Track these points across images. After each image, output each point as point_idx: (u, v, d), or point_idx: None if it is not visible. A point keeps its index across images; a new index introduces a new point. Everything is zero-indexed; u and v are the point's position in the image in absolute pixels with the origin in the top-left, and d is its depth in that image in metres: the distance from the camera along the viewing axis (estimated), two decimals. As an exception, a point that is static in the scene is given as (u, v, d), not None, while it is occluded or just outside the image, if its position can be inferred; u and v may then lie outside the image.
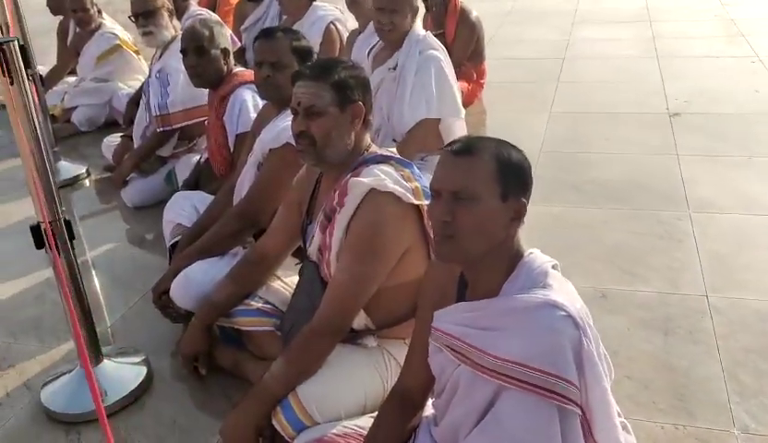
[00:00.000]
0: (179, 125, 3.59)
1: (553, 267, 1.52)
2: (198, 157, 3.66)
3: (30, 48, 3.88)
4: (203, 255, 2.54)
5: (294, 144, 2.45)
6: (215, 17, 3.25)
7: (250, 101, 3.05)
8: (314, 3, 4.42)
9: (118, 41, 4.98)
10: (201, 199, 3.03)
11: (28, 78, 1.94)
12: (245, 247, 2.63)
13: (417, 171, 1.99)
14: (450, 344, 1.55)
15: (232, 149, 3.12)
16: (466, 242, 1.44)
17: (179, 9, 4.36)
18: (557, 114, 4.57)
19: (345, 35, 4.39)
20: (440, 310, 1.62)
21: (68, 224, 2.13)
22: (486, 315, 1.48)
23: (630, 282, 2.67)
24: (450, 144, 1.51)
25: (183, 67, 3.33)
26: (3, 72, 1.89)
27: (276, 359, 2.16)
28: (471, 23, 4.68)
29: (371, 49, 3.51)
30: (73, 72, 5.36)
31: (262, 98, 2.66)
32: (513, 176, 1.47)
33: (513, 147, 1.51)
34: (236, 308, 2.30)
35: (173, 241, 2.89)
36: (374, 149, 2.05)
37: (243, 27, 5.18)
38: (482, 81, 4.89)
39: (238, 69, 3.21)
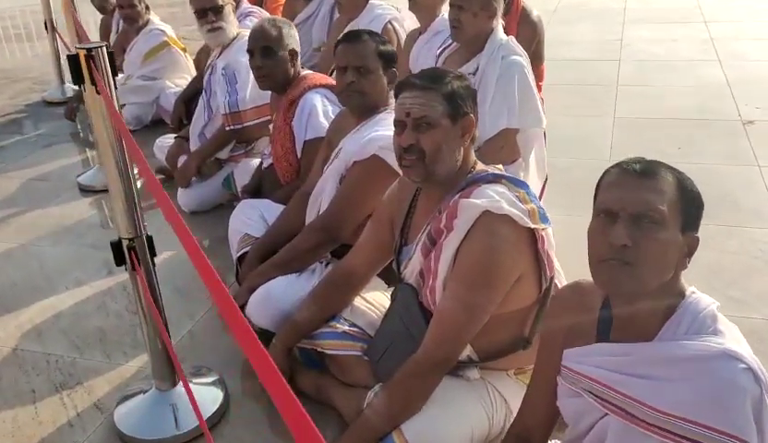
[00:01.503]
0: (250, 123, 3.47)
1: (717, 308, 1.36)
2: (257, 161, 3.53)
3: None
4: (280, 270, 2.41)
5: (380, 156, 2.34)
6: (282, 19, 3.09)
7: (320, 107, 2.92)
8: (371, 1, 4.26)
9: (166, 38, 4.86)
10: (268, 208, 2.89)
11: (115, 87, 1.81)
12: (321, 262, 2.50)
13: (532, 191, 1.84)
14: (593, 390, 1.40)
15: (299, 156, 2.99)
16: (645, 271, 1.29)
17: (232, 6, 4.24)
18: (621, 120, 4.39)
19: (403, 35, 4.23)
20: (576, 349, 1.47)
21: (150, 241, 2.00)
22: (643, 360, 1.33)
23: (735, 308, 2.49)
24: (624, 163, 1.37)
25: (250, 64, 3.20)
26: (90, 79, 1.75)
27: (363, 386, 2.05)
28: (532, 23, 4.47)
29: (442, 50, 3.35)
30: (119, 70, 5.25)
31: (343, 105, 2.52)
32: (694, 208, 1.32)
33: (689, 178, 1.36)
34: (320, 330, 2.17)
35: (241, 252, 2.76)
36: (481, 166, 1.90)
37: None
38: (541, 84, 4.70)
39: (306, 72, 3.08)
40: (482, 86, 3.05)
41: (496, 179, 1.83)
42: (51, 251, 3.35)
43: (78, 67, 1.76)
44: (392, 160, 2.29)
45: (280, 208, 2.86)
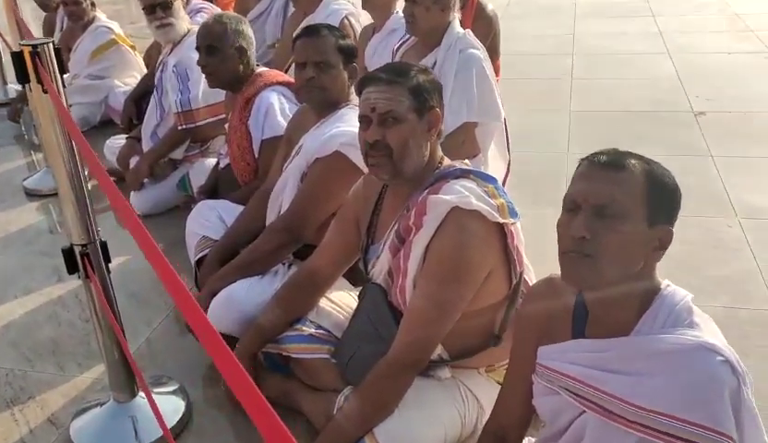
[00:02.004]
0: (203, 122, 3.37)
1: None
2: (213, 161, 3.44)
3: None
4: (242, 273, 2.33)
5: (343, 153, 2.28)
6: (232, 13, 3.01)
7: (277, 105, 2.85)
8: (326, -5, 4.20)
9: (114, 36, 4.70)
10: (227, 209, 2.81)
11: (63, 85, 1.71)
12: (284, 264, 2.43)
13: (501, 185, 1.81)
14: (569, 387, 1.38)
15: (257, 156, 2.91)
16: (605, 263, 1.27)
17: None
18: (577, 114, 4.42)
19: (359, 30, 4.18)
20: (552, 346, 1.45)
21: (104, 246, 1.91)
22: (621, 356, 1.31)
23: (696, 298, 2.51)
24: (593, 155, 1.35)
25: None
26: (36, 78, 1.65)
27: (332, 389, 2.00)
28: (488, 17, 4.46)
29: (400, 45, 3.31)
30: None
31: (304, 101, 2.45)
32: (664, 200, 1.30)
33: (663, 168, 1.34)
34: (286, 334, 2.11)
35: (199, 255, 2.67)
36: (448, 161, 1.87)
37: (245, 20, 4.94)
38: (498, 78, 4.71)
39: (261, 69, 3.00)
40: (441, 80, 3.02)
41: (464, 174, 1.80)
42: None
43: (23, 66, 1.66)
44: (355, 156, 2.25)
45: (238, 208, 2.78)
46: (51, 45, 1.66)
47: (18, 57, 1.65)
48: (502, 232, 1.76)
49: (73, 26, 4.81)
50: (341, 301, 2.20)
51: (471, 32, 3.10)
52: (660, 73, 5.08)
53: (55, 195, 3.59)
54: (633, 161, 1.34)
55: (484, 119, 3.03)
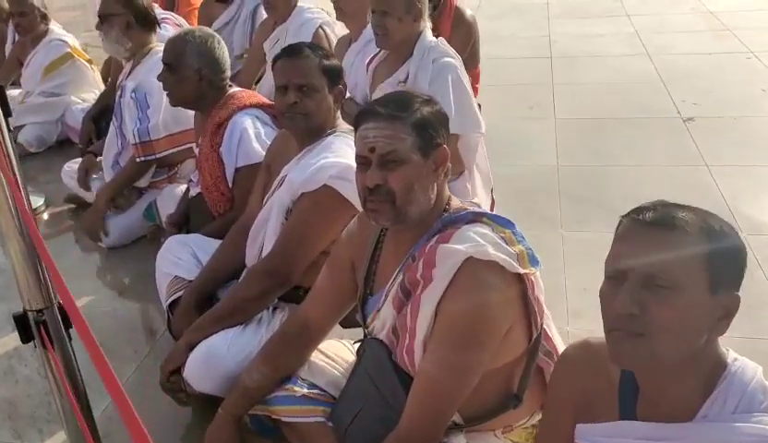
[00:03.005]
0: (163, 154, 3.08)
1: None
2: (183, 187, 3.17)
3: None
4: (222, 324, 2.09)
5: (332, 186, 2.06)
6: (206, 29, 2.74)
7: (251, 130, 2.62)
8: (299, 4, 3.95)
9: (69, 49, 4.38)
10: (201, 245, 2.55)
11: (9, 129, 1.46)
12: (268, 309, 2.20)
13: (518, 230, 1.61)
14: (619, 476, 1.18)
15: (231, 185, 2.67)
16: (660, 343, 1.08)
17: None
18: (563, 122, 4.25)
19: (335, 41, 3.95)
20: (596, 426, 1.25)
21: (63, 310, 1.65)
22: (685, 446, 1.12)
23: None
24: (636, 211, 1.15)
25: (165, 85, 2.86)
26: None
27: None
28: (467, 23, 4.27)
29: (372, 59, 3.09)
30: (15, 84, 4.71)
31: (285, 128, 2.21)
32: (727, 262, 1.10)
33: (722, 220, 1.14)
34: (275, 394, 1.87)
35: (172, 298, 2.42)
36: (456, 202, 1.66)
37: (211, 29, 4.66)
38: (477, 86, 4.51)
39: (234, 90, 2.75)
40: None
41: (476, 218, 1.59)
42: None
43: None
44: (346, 190, 2.04)
45: (214, 243, 2.53)
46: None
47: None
48: (521, 282, 1.55)
49: (24, 39, 4.48)
50: (335, 354, 1.98)
51: (444, 40, 2.91)
52: (642, 76, 4.94)
53: None
54: (686, 217, 1.14)
55: (464, 131, 2.83)
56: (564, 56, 5.53)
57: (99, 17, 3.10)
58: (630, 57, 5.39)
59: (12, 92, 4.67)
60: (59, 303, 1.64)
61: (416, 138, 1.54)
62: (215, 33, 2.72)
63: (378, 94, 2.85)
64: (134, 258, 3.10)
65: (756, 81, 4.68)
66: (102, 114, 4.21)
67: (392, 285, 1.64)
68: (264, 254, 2.21)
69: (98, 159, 3.53)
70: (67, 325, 1.67)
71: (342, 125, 2.25)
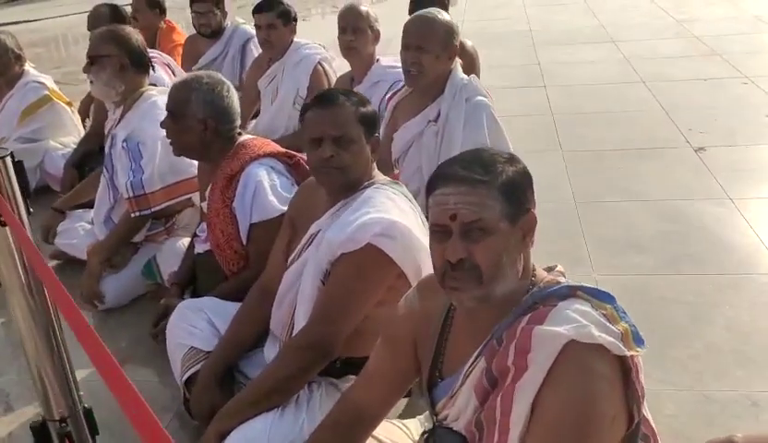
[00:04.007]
0: (160, 207, 2.83)
1: None
2: (184, 241, 2.92)
3: None
4: (258, 407, 1.86)
5: (377, 245, 1.85)
6: (216, 75, 2.50)
7: (266, 182, 2.41)
8: (295, 40, 3.77)
9: (47, 92, 4.09)
10: (216, 309, 2.32)
11: (28, 212, 1.22)
12: (307, 387, 1.96)
13: (619, 304, 1.41)
14: None
15: (245, 242, 2.44)
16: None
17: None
18: (571, 154, 4.11)
19: (333, 78, 3.76)
20: None
21: (89, 415, 1.40)
22: None
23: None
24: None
25: (160, 134, 2.64)
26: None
27: None
28: (469, 54, 4.13)
29: (391, 96, 2.91)
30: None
31: (322, 184, 1.99)
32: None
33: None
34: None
35: (189, 373, 2.17)
36: (541, 271, 1.46)
37: (196, 66, 4.43)
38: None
39: (245, 138, 2.54)
40: (447, 134, 2.66)
41: (572, 292, 1.39)
42: None
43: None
44: (392, 249, 1.85)
45: (231, 307, 2.30)
46: (9, 159, 1.17)
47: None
48: (625, 364, 1.35)
49: (-3, 82, 4.18)
50: (388, 438, 1.76)
51: (476, 78, 2.75)
52: (642, 104, 4.85)
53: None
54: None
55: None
56: (558, 85, 5.42)
57: (89, 58, 2.85)
58: (626, 85, 5.30)
59: (-16, 138, 4.37)
60: (85, 407, 1.39)
61: (504, 204, 1.34)
62: (224, 80, 2.50)
63: (402, 133, 2.66)
64: (134, 322, 2.82)
65: (759, 107, 4.62)
66: (84, 160, 3.96)
67: (472, 370, 1.43)
68: (296, 321, 1.98)
69: (65, 215, 3.28)
70: (94, 430, 1.42)
71: (379, 175, 2.05)
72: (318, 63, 3.69)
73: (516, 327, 1.36)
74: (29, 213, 1.22)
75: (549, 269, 1.49)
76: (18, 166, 1.19)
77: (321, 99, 1.95)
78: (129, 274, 2.94)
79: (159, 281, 2.91)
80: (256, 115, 4.06)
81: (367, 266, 1.86)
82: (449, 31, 2.59)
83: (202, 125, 2.42)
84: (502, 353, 1.36)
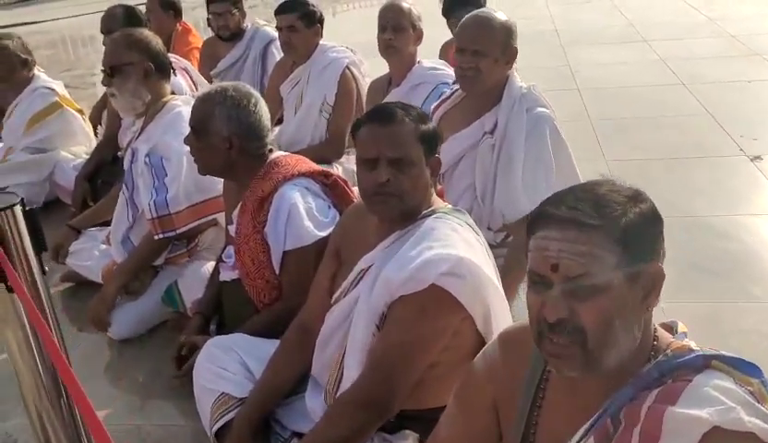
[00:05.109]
0: (185, 228, 2.58)
1: None
2: (208, 266, 2.67)
3: None
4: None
5: (442, 287, 1.60)
6: (244, 86, 2.25)
7: (301, 205, 2.16)
8: (321, 42, 3.51)
9: (57, 98, 3.84)
10: (248, 349, 2.07)
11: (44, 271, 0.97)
12: None
13: (766, 376, 1.15)
14: None
15: (278, 271, 2.19)
16: None
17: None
18: (615, 164, 3.84)
19: (363, 83, 3.51)
20: None
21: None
22: None
23: None
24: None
25: (186, 148, 2.40)
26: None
27: None
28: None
29: (437, 105, 2.65)
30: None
31: (375, 213, 1.74)
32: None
33: None
34: None
35: (221, 423, 1.92)
36: (665, 335, 1.19)
37: (215, 71, 4.20)
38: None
39: (276, 155, 2.29)
40: (506, 147, 2.40)
41: (707, 362, 1.13)
42: None
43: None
44: (459, 290, 1.60)
45: (264, 346, 2.06)
46: (19, 209, 0.92)
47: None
48: (771, 447, 1.10)
49: (3, 86, 3.94)
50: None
51: (537, 86, 2.49)
52: (685, 108, 4.57)
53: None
54: None
55: (565, 193, 2.40)
56: (592, 88, 5.16)
57: (109, 69, 2.60)
58: (665, 88, 5.03)
59: (-8, 146, 4.14)
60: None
61: (621, 256, 1.08)
62: (253, 92, 2.24)
63: (451, 146, 2.40)
64: (153, 354, 2.58)
65: (812, 112, 4.35)
66: (96, 172, 3.72)
67: (583, 452, 1.17)
68: (346, 370, 1.73)
69: (80, 234, 3.04)
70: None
71: (439, 201, 1.79)
72: (347, 67, 3.43)
73: (639, 405, 1.10)
74: (43, 273, 0.97)
75: (667, 328, 1.24)
76: (30, 215, 0.93)
77: (378, 114, 1.70)
78: (148, 301, 2.69)
79: (181, 310, 2.66)
80: (279, 122, 3.81)
81: (431, 309, 1.61)
82: (508, 33, 2.34)
83: (227, 144, 2.18)
84: (622, 438, 1.10)
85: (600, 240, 1.08)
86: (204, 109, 2.19)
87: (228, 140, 2.18)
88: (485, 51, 2.29)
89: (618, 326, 1.09)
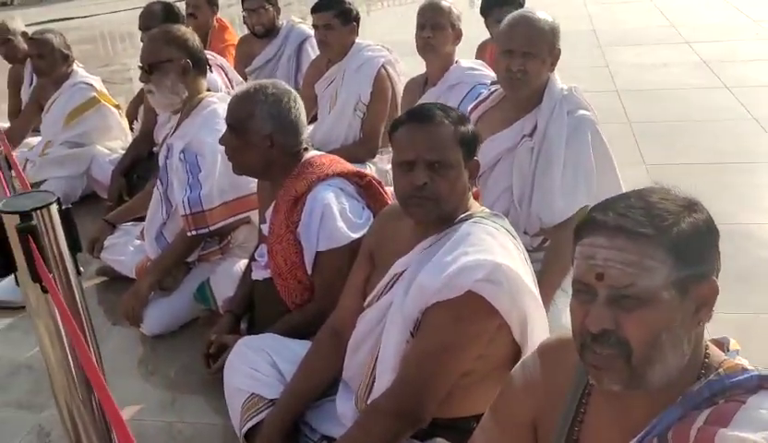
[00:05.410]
0: (217, 225, 2.57)
1: None
2: (240, 263, 2.66)
3: None
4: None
5: (478, 293, 1.55)
6: (281, 84, 2.23)
7: (335, 206, 2.13)
8: (357, 41, 3.48)
9: (95, 94, 3.88)
10: (279, 350, 2.05)
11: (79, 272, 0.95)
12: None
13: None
14: None
15: (310, 272, 2.17)
16: None
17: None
18: (657, 169, 3.74)
19: (399, 82, 3.47)
20: None
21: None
22: None
23: None
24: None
25: (221, 146, 2.39)
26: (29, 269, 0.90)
27: None
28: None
29: (475, 106, 2.60)
30: (36, 131, 4.22)
31: (412, 216, 1.70)
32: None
33: None
34: None
35: (250, 424, 1.91)
36: (717, 353, 1.14)
37: (249, 68, 4.21)
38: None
39: (311, 154, 2.26)
40: (545, 150, 2.35)
41: (761, 383, 1.07)
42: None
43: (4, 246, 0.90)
44: (496, 297, 1.56)
45: (295, 347, 2.05)
46: (55, 208, 0.90)
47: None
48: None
49: (44, 81, 4.00)
50: None
51: (578, 88, 2.43)
52: (730, 113, 4.44)
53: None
54: None
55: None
56: (631, 90, 5.05)
57: (147, 66, 2.60)
58: (708, 91, 4.90)
59: (32, 140, 4.21)
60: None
61: (673, 268, 1.04)
62: (291, 89, 2.23)
63: (488, 147, 2.34)
64: (186, 351, 2.57)
65: None
66: (132, 167, 3.75)
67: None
68: (378, 375, 1.70)
69: (115, 229, 3.06)
70: None
71: (475, 205, 1.75)
72: (382, 66, 3.40)
73: (688, 426, 1.05)
74: (78, 273, 0.96)
75: (719, 344, 1.18)
76: (66, 215, 0.92)
77: (416, 115, 1.67)
78: (180, 298, 2.70)
79: (212, 308, 2.66)
80: (312, 121, 3.80)
81: (467, 317, 1.57)
82: (555, 34, 2.30)
83: (267, 142, 2.16)
84: (671, 462, 1.05)
85: (650, 250, 1.03)
86: (244, 107, 2.17)
87: (269, 138, 2.16)
88: (535, 53, 2.24)
89: (666, 341, 1.05)
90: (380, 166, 3.39)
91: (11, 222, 0.92)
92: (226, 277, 2.63)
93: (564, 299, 2.33)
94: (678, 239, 1.04)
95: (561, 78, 2.42)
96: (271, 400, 1.92)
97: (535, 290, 1.69)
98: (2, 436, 2.25)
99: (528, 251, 1.82)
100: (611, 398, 1.17)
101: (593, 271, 1.06)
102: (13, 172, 2.94)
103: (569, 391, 1.25)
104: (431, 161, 1.60)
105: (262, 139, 2.16)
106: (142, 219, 2.95)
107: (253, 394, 1.95)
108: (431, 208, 1.63)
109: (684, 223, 1.06)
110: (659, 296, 1.03)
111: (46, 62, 3.83)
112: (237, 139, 2.19)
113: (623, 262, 1.04)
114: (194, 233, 2.55)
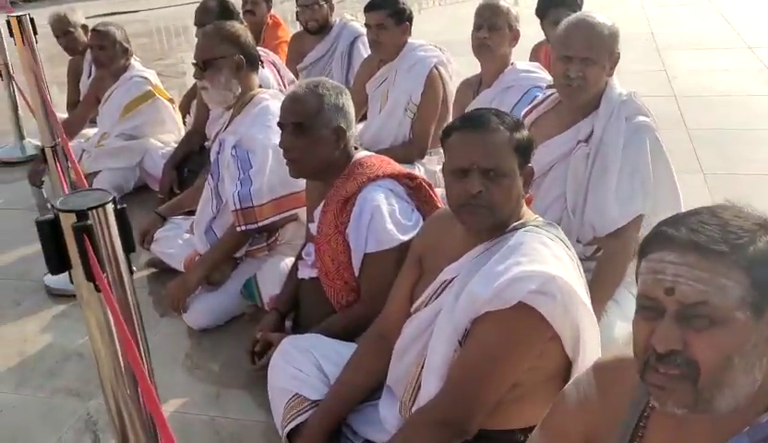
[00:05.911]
0: (268, 221, 2.58)
1: None
2: (286, 261, 2.67)
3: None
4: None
5: (530, 305, 1.51)
6: (332, 81, 2.24)
7: (385, 208, 2.12)
8: (409, 41, 3.45)
9: (151, 87, 3.94)
10: (324, 351, 2.05)
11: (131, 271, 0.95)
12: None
13: None
14: None
15: (357, 273, 2.15)
16: None
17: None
18: (716, 179, 3.62)
19: (451, 83, 3.43)
20: None
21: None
22: None
23: None
24: None
25: (272, 141, 2.39)
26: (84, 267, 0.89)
27: None
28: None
29: (529, 110, 2.54)
30: (92, 122, 4.31)
31: (465, 224, 1.67)
32: None
33: None
34: None
35: (293, 424, 1.90)
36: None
37: (301, 65, 4.22)
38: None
39: (361, 155, 2.25)
40: (601, 156, 2.29)
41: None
42: (8, 400, 2.42)
43: (59, 241, 0.90)
44: (550, 309, 1.53)
45: (341, 349, 2.05)
46: (111, 208, 0.90)
47: (50, 226, 0.90)
48: None
49: (103, 73, 4.08)
50: None
51: (637, 94, 2.36)
52: (793, 122, 4.28)
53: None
54: None
55: (663, 211, 2.25)
56: (690, 95, 4.89)
57: (202, 62, 2.62)
58: (772, 98, 4.73)
59: (89, 131, 4.30)
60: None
61: (749, 289, 0.98)
62: (342, 86, 2.23)
63: (542, 153, 2.28)
64: (230, 344, 2.59)
65: None
66: (183, 161, 3.80)
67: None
68: (424, 383, 1.67)
69: (166, 222, 3.10)
70: None
71: (529, 213, 1.71)
72: (434, 67, 3.37)
73: (757, 458, 1.00)
74: (131, 273, 0.96)
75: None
76: (121, 214, 0.92)
77: (471, 121, 1.63)
78: (227, 292, 2.72)
79: (258, 304, 2.67)
80: (361, 120, 3.78)
81: (518, 328, 1.53)
82: (615, 39, 2.24)
83: (335, 135, 2.16)
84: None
85: (724, 268, 0.98)
86: (311, 103, 2.15)
87: (337, 131, 2.16)
88: (594, 58, 2.18)
89: (738, 365, 0.99)
90: (429, 167, 3.35)
91: (67, 221, 0.92)
92: (272, 274, 2.65)
93: (616, 310, 2.27)
94: (753, 258, 0.99)
95: (620, 79, 2.35)
96: (314, 401, 1.91)
97: (588, 302, 1.64)
98: (53, 421, 2.30)
99: (581, 260, 1.77)
100: (672, 422, 1.12)
101: (661, 286, 1.01)
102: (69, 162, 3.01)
103: (626, 412, 1.20)
104: (486, 169, 1.57)
105: (331, 133, 2.15)
106: (192, 213, 2.99)
107: (296, 394, 1.95)
108: (485, 216, 1.60)
109: (761, 242, 1.00)
110: (732, 317, 0.98)
111: (107, 54, 3.90)
112: (304, 137, 2.15)
113: (695, 279, 0.99)
114: (243, 228, 2.56)
